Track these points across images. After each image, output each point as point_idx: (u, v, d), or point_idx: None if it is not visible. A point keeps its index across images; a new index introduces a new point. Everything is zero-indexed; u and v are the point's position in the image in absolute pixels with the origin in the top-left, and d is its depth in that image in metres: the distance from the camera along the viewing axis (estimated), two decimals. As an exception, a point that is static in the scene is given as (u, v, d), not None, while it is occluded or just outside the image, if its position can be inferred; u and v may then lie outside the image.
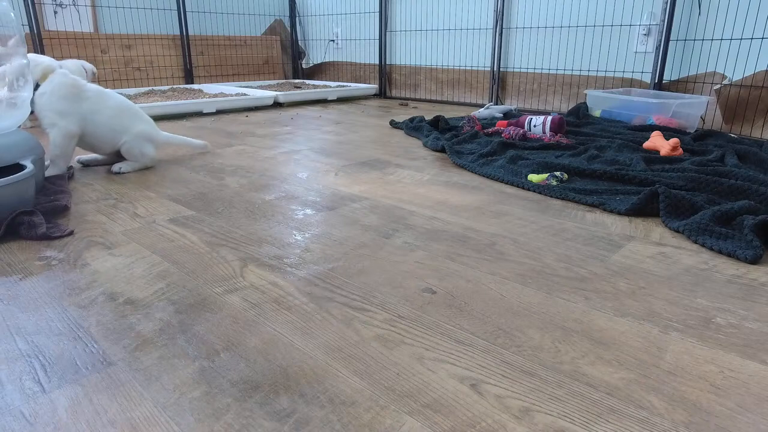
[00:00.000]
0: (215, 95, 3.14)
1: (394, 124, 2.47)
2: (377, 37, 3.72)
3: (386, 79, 3.75)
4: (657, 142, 1.78)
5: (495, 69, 3.10)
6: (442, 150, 1.90)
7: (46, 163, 1.61)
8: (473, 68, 3.24)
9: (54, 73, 1.50)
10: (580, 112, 2.48)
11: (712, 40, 2.30)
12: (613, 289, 0.85)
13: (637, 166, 1.53)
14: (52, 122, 1.47)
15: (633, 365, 0.65)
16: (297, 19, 4.23)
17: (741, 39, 2.21)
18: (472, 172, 1.62)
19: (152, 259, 0.97)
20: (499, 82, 3.12)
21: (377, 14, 3.66)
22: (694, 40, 2.36)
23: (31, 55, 1.48)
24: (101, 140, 1.57)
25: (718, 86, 2.31)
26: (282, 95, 3.12)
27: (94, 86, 1.57)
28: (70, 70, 1.54)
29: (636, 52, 2.57)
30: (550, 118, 2.05)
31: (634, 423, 0.56)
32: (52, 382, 0.62)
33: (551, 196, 1.37)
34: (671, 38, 2.42)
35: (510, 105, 2.99)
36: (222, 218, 1.19)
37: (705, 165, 1.52)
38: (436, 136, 2.05)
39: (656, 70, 2.47)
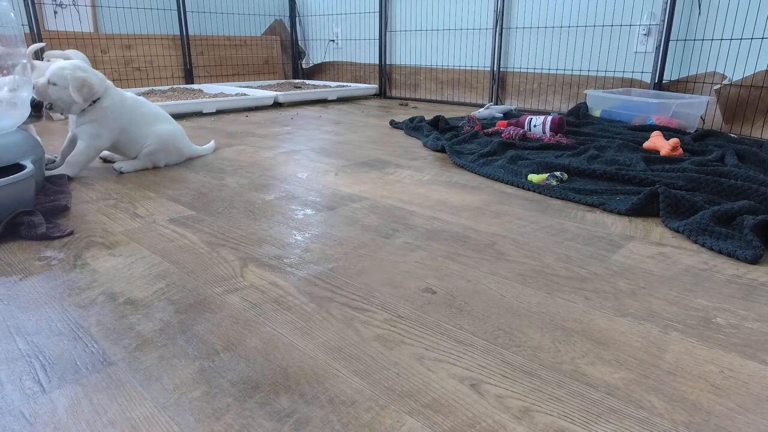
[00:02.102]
0: (215, 95, 3.14)
1: (394, 124, 2.47)
2: (377, 37, 3.72)
3: (386, 79, 3.75)
4: (657, 142, 1.78)
5: (495, 69, 3.10)
6: (442, 150, 1.90)
7: (52, 156, 1.62)
8: (473, 68, 3.24)
9: (111, 88, 1.55)
10: (580, 112, 2.48)
11: (712, 40, 2.30)
12: (613, 289, 0.85)
13: (637, 166, 1.53)
14: (96, 134, 1.51)
15: (633, 365, 0.65)
16: (297, 19, 4.23)
17: (741, 39, 2.21)
18: (472, 172, 1.62)
19: (152, 259, 0.97)
20: (499, 82, 3.12)
21: (377, 14, 3.66)
22: (694, 40, 2.36)
23: (79, 63, 1.49)
24: (131, 146, 1.60)
25: (718, 86, 2.31)
26: (282, 95, 3.12)
27: (130, 95, 1.60)
28: (76, 63, 1.53)
29: (636, 52, 2.57)
30: (550, 118, 2.05)
31: (634, 423, 0.56)
32: (52, 382, 0.62)
33: (551, 196, 1.37)
34: (671, 38, 2.42)
35: (510, 105, 2.99)
36: (222, 218, 1.19)
37: (705, 165, 1.52)
38: (436, 136, 2.05)
39: (656, 70, 2.47)
